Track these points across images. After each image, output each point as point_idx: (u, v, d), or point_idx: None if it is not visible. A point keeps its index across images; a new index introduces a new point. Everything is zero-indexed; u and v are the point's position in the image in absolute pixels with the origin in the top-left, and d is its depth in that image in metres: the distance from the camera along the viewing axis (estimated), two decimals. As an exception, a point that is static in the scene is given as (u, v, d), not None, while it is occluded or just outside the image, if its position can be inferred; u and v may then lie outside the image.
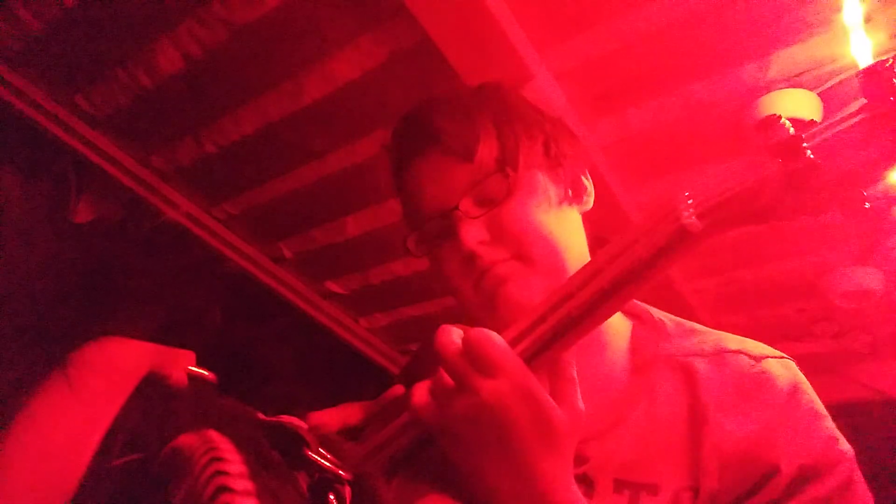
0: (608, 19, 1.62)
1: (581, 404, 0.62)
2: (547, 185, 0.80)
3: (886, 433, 2.39)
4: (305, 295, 2.79)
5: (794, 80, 1.67)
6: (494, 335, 0.60)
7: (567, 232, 0.80)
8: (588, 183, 0.86)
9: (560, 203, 0.81)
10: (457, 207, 0.77)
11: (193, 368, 0.61)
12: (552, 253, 0.76)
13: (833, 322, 2.57)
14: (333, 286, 2.79)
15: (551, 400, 0.60)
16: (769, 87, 1.70)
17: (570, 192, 0.82)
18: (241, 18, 1.73)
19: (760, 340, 0.80)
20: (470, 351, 0.60)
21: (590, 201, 0.85)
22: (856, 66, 1.57)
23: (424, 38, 1.62)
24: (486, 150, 0.78)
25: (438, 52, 1.63)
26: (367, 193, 2.29)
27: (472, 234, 0.76)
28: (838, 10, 1.51)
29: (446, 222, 0.78)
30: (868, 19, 1.51)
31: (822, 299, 2.38)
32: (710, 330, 0.82)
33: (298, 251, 2.60)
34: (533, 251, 0.76)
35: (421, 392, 0.64)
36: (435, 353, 0.62)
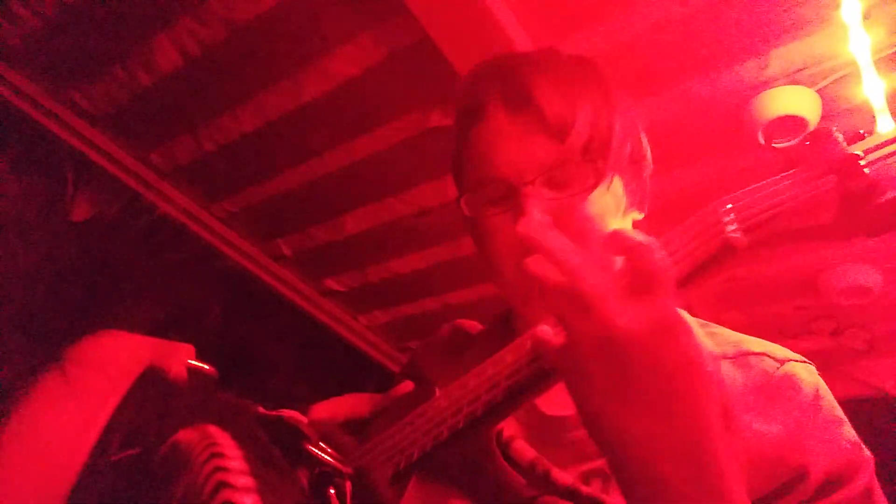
0: (607, 17, 1.62)
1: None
2: (621, 191, 0.76)
3: (884, 430, 2.39)
4: (304, 292, 2.79)
5: (792, 77, 1.67)
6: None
7: None
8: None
9: (626, 212, 0.77)
10: (531, 182, 0.71)
11: (193, 362, 0.61)
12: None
13: (831, 319, 2.57)
14: (332, 283, 2.79)
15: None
16: (768, 84, 1.70)
17: (637, 200, 0.79)
18: (240, 16, 1.73)
19: (759, 338, 0.80)
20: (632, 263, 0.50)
21: (645, 212, 0.82)
22: (854, 63, 1.57)
23: (424, 36, 1.62)
24: (579, 134, 0.71)
25: (438, 51, 1.63)
26: (367, 191, 2.29)
27: (538, 216, 0.70)
28: (837, 7, 1.51)
29: (512, 193, 0.73)
30: (867, 16, 1.51)
31: (821, 297, 2.38)
32: (729, 331, 0.80)
33: (298, 249, 2.60)
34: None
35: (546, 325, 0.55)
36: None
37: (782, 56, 1.65)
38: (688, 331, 0.49)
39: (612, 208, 0.75)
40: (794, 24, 1.58)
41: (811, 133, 0.52)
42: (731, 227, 0.52)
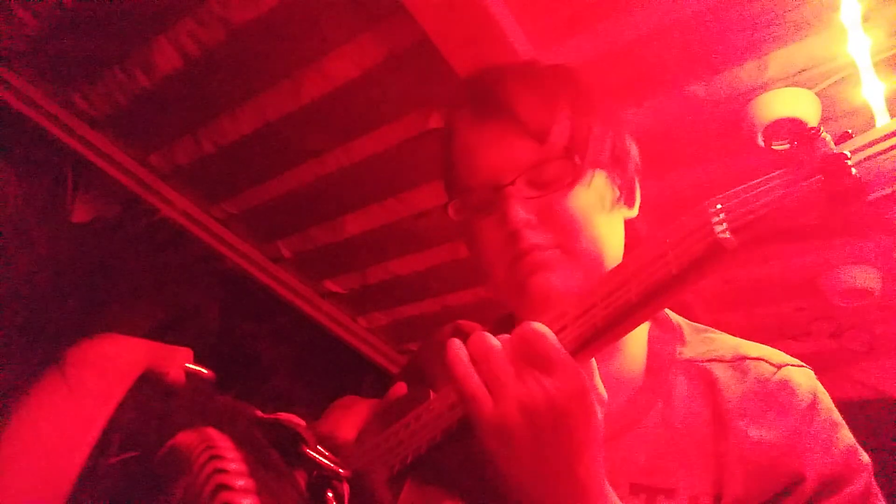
0: (606, 19, 1.62)
1: (603, 390, 0.61)
2: (604, 186, 0.78)
3: (884, 432, 2.39)
4: (304, 294, 2.79)
5: (792, 79, 1.67)
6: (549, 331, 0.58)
7: (611, 235, 0.79)
8: (638, 189, 0.85)
9: (612, 206, 0.79)
10: (512, 183, 0.74)
11: (191, 366, 0.61)
12: (595, 252, 0.75)
13: (831, 321, 2.57)
14: (332, 285, 2.79)
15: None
16: (767, 86, 1.70)
17: (623, 196, 0.81)
18: (240, 17, 1.73)
19: (758, 339, 0.80)
20: (525, 346, 0.58)
21: (636, 209, 0.84)
22: (854, 65, 1.57)
23: (423, 37, 1.62)
24: (558, 134, 0.75)
25: (437, 52, 1.63)
26: (366, 193, 2.29)
27: (521, 214, 0.73)
28: (836, 9, 1.51)
29: (495, 195, 0.75)
30: (866, 18, 1.51)
31: (821, 298, 2.38)
32: (726, 335, 0.81)
33: (297, 250, 2.60)
34: (578, 245, 0.74)
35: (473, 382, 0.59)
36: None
37: (782, 58, 1.65)
38: (587, 393, 0.56)
39: (597, 204, 0.77)
40: (793, 26, 1.58)
41: (799, 133, 0.52)
42: (720, 228, 0.52)
